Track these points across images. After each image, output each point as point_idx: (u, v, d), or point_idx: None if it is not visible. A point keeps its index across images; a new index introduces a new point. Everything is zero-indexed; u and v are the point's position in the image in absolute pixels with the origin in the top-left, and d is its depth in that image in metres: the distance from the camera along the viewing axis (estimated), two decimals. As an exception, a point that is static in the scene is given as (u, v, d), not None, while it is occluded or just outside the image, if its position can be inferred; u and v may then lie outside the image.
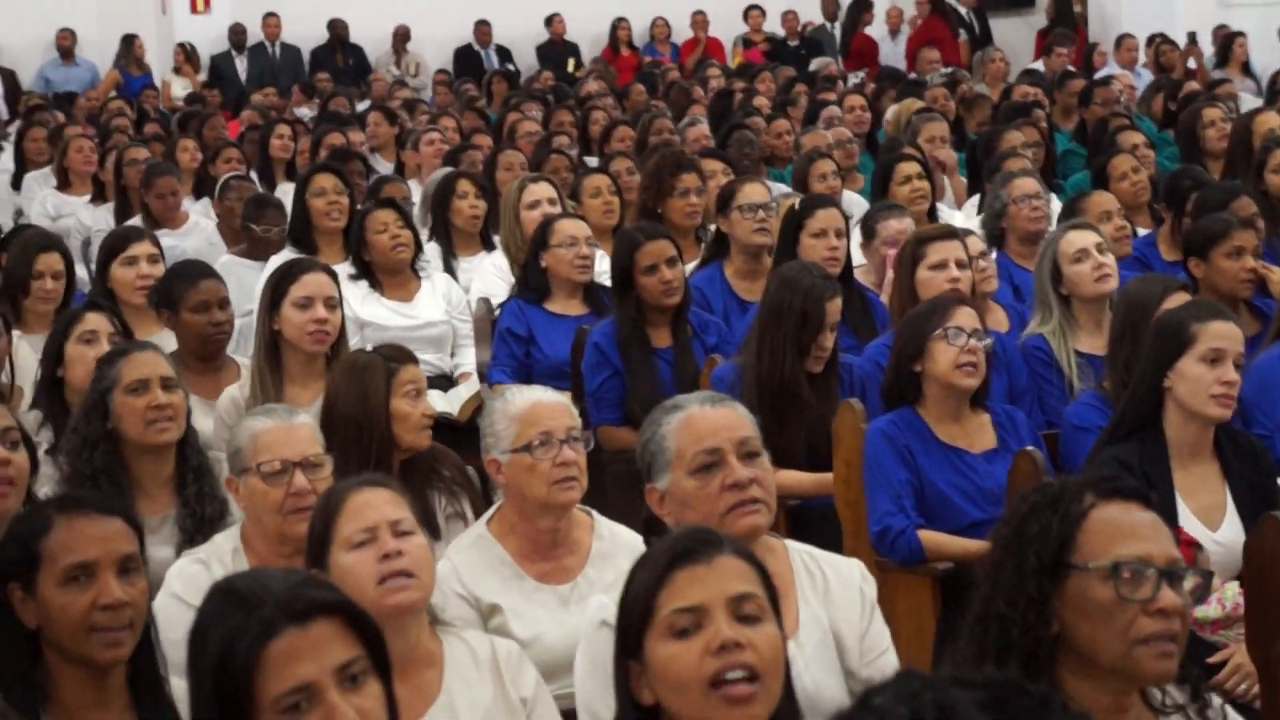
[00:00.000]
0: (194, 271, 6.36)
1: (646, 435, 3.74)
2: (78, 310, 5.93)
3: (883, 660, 3.74)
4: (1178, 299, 5.16)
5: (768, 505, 3.66)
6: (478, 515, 4.69)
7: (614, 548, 4.31)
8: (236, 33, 19.40)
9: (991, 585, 2.90)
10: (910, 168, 8.49)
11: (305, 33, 19.75)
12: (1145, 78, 15.09)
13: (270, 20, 19.57)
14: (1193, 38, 16.47)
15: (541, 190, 8.14)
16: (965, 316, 5.22)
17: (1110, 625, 2.82)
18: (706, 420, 3.68)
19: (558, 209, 7.93)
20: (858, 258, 7.24)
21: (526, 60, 19.70)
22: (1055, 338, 6.06)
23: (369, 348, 5.44)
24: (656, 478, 3.71)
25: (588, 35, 20.30)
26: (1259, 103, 12.11)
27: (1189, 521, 4.64)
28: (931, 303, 5.37)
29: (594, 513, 4.40)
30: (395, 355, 5.11)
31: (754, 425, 3.74)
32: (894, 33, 19.41)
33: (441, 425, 6.03)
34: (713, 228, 7.74)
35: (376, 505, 3.64)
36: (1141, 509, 2.91)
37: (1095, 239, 6.15)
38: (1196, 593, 2.91)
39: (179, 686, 3.15)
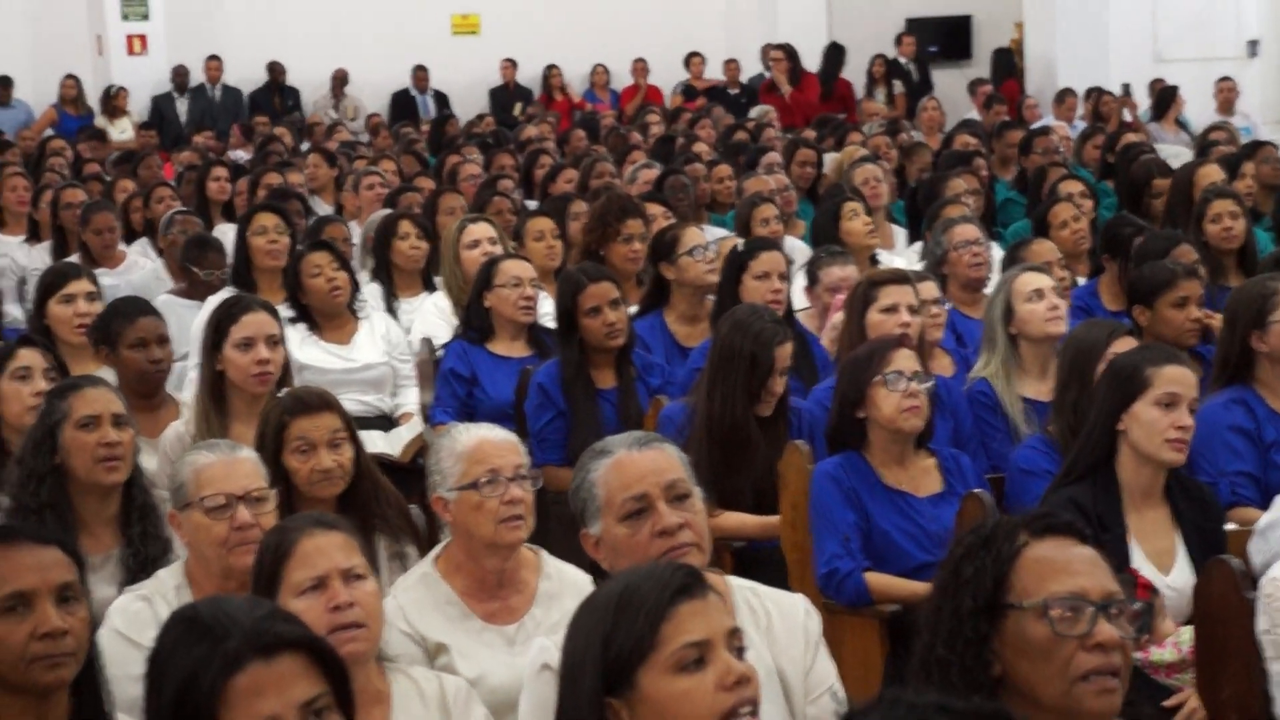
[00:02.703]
0: (133, 309, 6.31)
1: (577, 481, 3.70)
2: (11, 346, 5.85)
3: (826, 698, 3.68)
4: (1124, 344, 5.18)
5: (699, 547, 3.61)
6: (420, 556, 4.64)
7: (561, 587, 4.28)
8: (179, 74, 19.34)
9: (931, 630, 2.89)
10: (858, 205, 8.56)
11: (245, 75, 19.72)
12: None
13: (212, 63, 19.53)
14: (1127, 90, 16.63)
15: (481, 230, 8.12)
16: (904, 360, 5.22)
17: (1049, 663, 2.81)
18: (634, 465, 3.63)
19: (498, 249, 7.93)
20: (799, 302, 7.24)
21: (462, 106, 19.74)
22: (1000, 381, 6.08)
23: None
24: (589, 523, 3.67)
25: (525, 81, 20.36)
26: (1190, 155, 12.21)
27: (1142, 565, 4.65)
28: (869, 347, 5.37)
29: (541, 552, 4.37)
30: (292, 408, 4.88)
31: (685, 465, 3.69)
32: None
33: (383, 466, 5.99)
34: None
35: (327, 551, 3.59)
36: (1076, 544, 2.90)
37: (1051, 282, 6.19)
38: (1137, 624, 2.89)
39: (125, 724, 3.10)
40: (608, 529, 3.62)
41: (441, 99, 20.04)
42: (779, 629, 3.70)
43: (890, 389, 5.17)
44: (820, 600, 5.02)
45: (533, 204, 11.02)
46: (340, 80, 19.79)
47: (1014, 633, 2.83)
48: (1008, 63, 19.74)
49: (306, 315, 7.46)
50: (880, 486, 5.24)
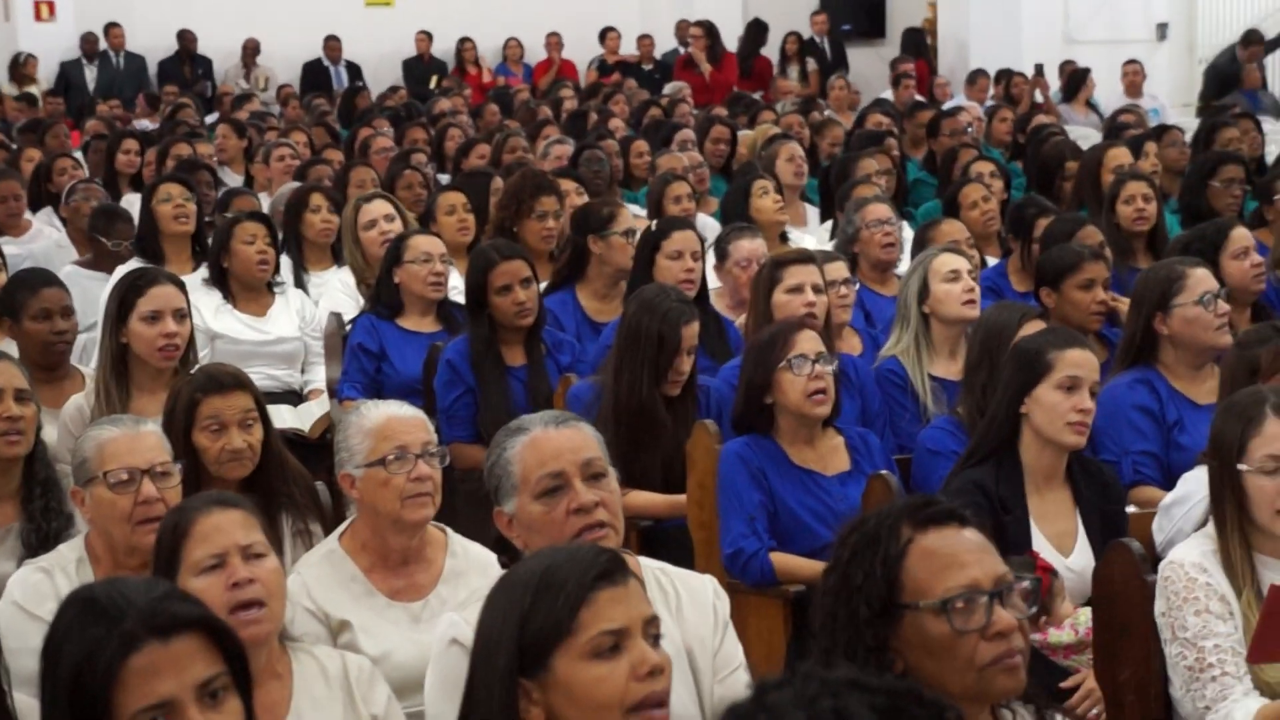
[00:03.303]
0: (36, 279, 6.25)
1: (493, 458, 3.69)
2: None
3: (735, 677, 3.70)
4: (1034, 327, 5.21)
5: (614, 527, 3.62)
6: (325, 532, 4.62)
7: (467, 565, 4.27)
8: (89, 41, 19.12)
9: (829, 638, 2.89)
10: (768, 183, 8.57)
11: (153, 43, 19.51)
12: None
13: (114, 30, 19.33)
14: (1040, 70, 16.73)
15: (378, 208, 8.08)
16: (807, 342, 5.22)
17: (954, 658, 2.83)
18: (550, 443, 3.63)
19: (396, 226, 7.89)
20: (712, 281, 7.25)
21: (375, 78, 19.62)
22: (910, 360, 6.10)
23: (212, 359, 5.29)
24: (504, 501, 3.66)
25: (439, 54, 20.26)
26: (1099, 137, 12.31)
27: (1042, 547, 4.68)
28: (771, 332, 5.36)
29: (448, 530, 4.36)
30: (204, 385, 4.81)
31: (600, 445, 3.70)
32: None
33: (292, 442, 5.96)
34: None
35: (226, 529, 3.56)
36: (959, 530, 2.90)
37: (968, 264, 6.22)
38: (1030, 600, 2.91)
39: (21, 701, 3.06)
40: (523, 506, 3.61)
41: (354, 70, 19.91)
42: (688, 609, 3.71)
43: (796, 373, 5.18)
44: (726, 580, 5.03)
45: (445, 178, 10.98)
46: (252, 50, 19.63)
47: (913, 631, 2.84)
48: (918, 42, 19.82)
49: (224, 283, 7.44)
50: (788, 465, 5.25)
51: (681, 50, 19.64)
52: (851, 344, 6.56)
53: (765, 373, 5.21)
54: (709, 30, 19.01)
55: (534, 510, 3.60)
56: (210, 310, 7.37)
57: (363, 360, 6.98)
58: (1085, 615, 4.49)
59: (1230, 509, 4.04)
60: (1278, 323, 5.18)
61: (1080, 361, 4.73)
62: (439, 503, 4.26)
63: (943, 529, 2.90)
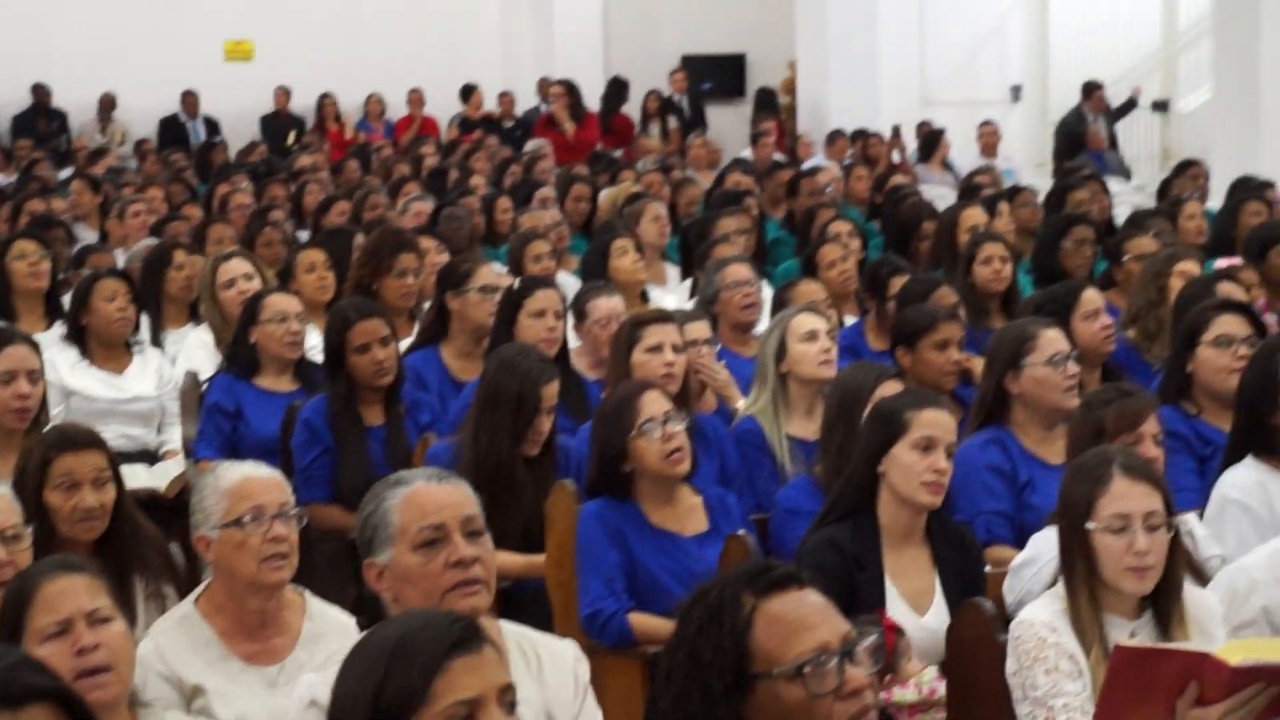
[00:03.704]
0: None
1: (369, 508, 3.69)
2: None
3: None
4: (890, 387, 5.26)
5: (489, 586, 3.64)
6: (180, 595, 4.58)
7: (325, 629, 4.25)
8: (-56, 94, 18.91)
9: (683, 714, 2.90)
10: (627, 242, 8.60)
11: (7, 96, 19.29)
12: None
13: (-33, 83, 19.11)
14: (896, 131, 16.96)
15: (237, 267, 8.03)
16: (653, 404, 5.23)
17: None
18: (432, 496, 3.65)
19: (255, 284, 7.84)
20: (572, 340, 7.26)
21: (234, 132, 19.51)
22: (767, 419, 6.13)
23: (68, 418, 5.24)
24: (377, 552, 3.65)
25: (299, 110, 20.19)
26: (955, 197, 12.49)
27: (897, 605, 4.72)
28: (616, 400, 5.36)
29: (306, 593, 4.33)
30: (58, 443, 4.77)
31: (477, 504, 3.71)
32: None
33: (147, 503, 5.89)
34: (427, 306, 7.69)
35: (71, 594, 3.53)
36: (800, 592, 2.93)
37: (826, 325, 6.26)
38: (876, 656, 2.93)
39: None
40: (399, 557, 3.61)
41: (212, 125, 19.78)
42: (549, 674, 3.73)
43: (648, 439, 5.20)
44: (584, 640, 5.03)
45: (305, 235, 10.93)
46: (108, 104, 19.46)
47: (768, 699, 2.86)
48: (770, 102, 20.04)
49: (81, 340, 7.39)
50: (646, 526, 5.26)
51: (544, 108, 19.70)
52: (711, 403, 6.59)
53: (618, 442, 5.22)
54: (570, 89, 19.09)
55: (411, 561, 3.60)
56: (66, 366, 7.32)
57: (218, 420, 6.92)
58: (930, 674, 4.54)
59: (1079, 568, 4.11)
60: (1123, 385, 5.27)
61: (936, 422, 4.79)
62: (296, 564, 4.24)
63: (784, 593, 2.92)
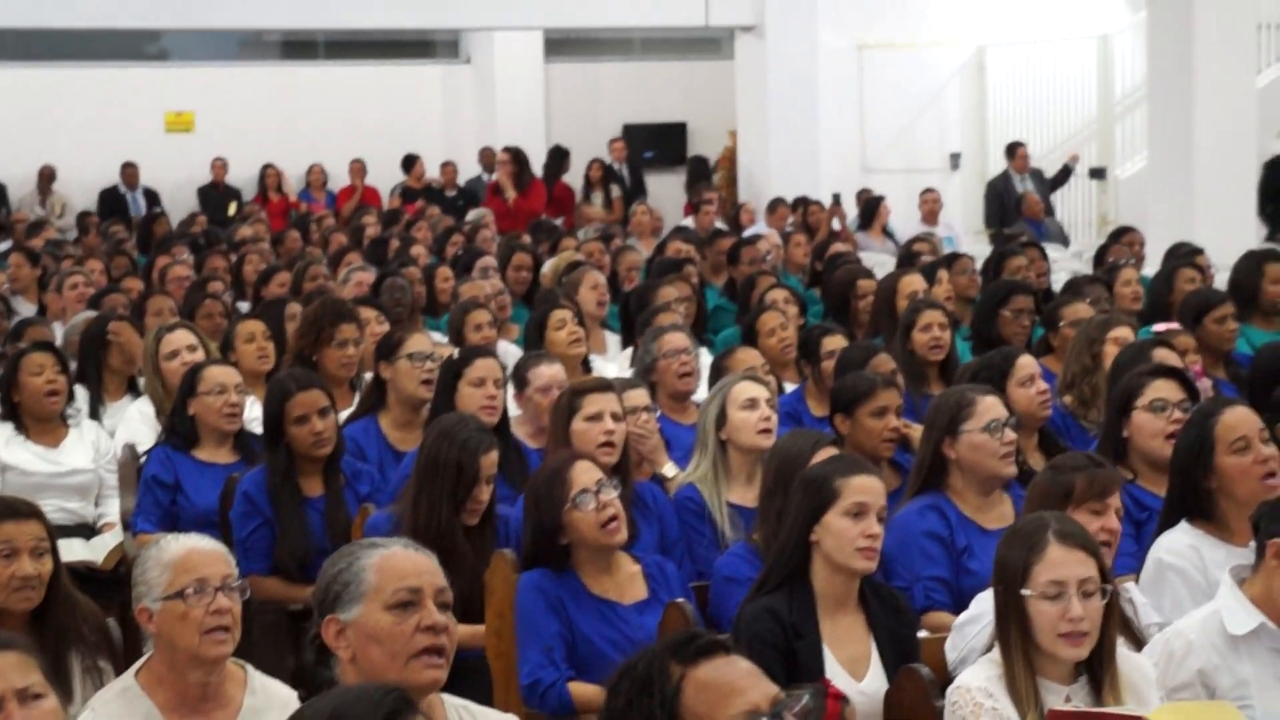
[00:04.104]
0: None
1: (341, 565, 3.72)
2: None
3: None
4: (828, 454, 5.28)
5: (449, 661, 3.67)
6: (116, 670, 4.56)
7: (266, 702, 4.23)
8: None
9: None
10: (566, 314, 8.61)
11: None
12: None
13: (-97, 156, 19.02)
14: (837, 199, 17.08)
15: (180, 339, 8.00)
16: (584, 475, 5.24)
17: None
18: (410, 560, 3.72)
19: (199, 355, 7.82)
20: (512, 409, 7.26)
21: (174, 203, 19.47)
22: (708, 486, 6.14)
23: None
24: (343, 608, 3.66)
25: (241, 180, 20.17)
26: (894, 264, 12.57)
27: (835, 671, 4.73)
28: (549, 471, 5.35)
29: (248, 666, 4.31)
30: None
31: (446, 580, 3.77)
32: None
33: (84, 576, 5.86)
34: (368, 376, 7.69)
35: (1, 672, 3.51)
36: (727, 658, 2.96)
37: (766, 393, 6.27)
38: (804, 716, 2.94)
39: None
40: (368, 614, 3.64)
41: (152, 197, 19.73)
42: (490, 749, 3.73)
43: (583, 511, 5.21)
44: (524, 711, 5.03)
45: (245, 306, 10.91)
46: (47, 176, 19.40)
47: None
48: (704, 171, 20.18)
49: (15, 415, 7.37)
50: (585, 595, 5.26)
51: (486, 178, 19.75)
52: (649, 470, 6.60)
53: (553, 517, 5.22)
54: (516, 155, 19.14)
55: (382, 620, 3.63)
56: (1, 442, 7.29)
57: (157, 493, 6.89)
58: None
59: (1015, 633, 4.14)
60: (1091, 455, 5.29)
61: (866, 487, 4.81)
62: (239, 637, 4.23)
63: (712, 660, 2.94)
